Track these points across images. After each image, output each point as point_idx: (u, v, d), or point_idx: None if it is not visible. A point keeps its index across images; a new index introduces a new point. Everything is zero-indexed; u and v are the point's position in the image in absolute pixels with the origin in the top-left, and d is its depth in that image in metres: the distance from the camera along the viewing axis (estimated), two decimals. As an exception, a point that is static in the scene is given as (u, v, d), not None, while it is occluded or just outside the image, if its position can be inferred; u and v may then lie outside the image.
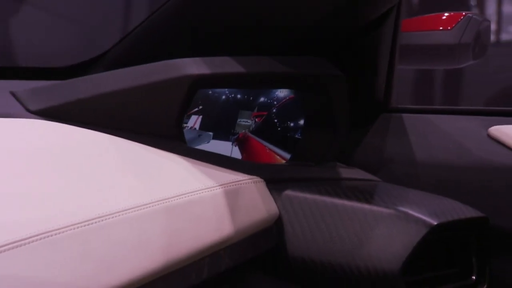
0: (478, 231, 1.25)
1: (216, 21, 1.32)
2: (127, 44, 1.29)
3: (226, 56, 1.24)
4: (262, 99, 1.30)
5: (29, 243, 0.82)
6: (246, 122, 1.30)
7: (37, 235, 0.82)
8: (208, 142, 1.26)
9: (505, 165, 1.29)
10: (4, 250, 0.80)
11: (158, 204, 0.99)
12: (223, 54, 1.25)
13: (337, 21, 1.27)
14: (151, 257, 0.95)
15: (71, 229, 0.88)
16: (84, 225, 0.89)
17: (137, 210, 0.96)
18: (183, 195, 1.03)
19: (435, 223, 1.11)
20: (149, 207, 0.98)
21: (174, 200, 1.01)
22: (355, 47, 1.31)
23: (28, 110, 1.13)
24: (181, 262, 0.99)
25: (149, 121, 1.17)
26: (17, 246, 0.81)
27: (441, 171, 1.29)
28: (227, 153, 1.27)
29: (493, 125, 1.27)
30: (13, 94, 1.14)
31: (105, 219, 0.92)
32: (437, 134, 1.33)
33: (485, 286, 1.23)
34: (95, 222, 0.91)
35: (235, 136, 1.29)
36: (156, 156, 1.13)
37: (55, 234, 0.85)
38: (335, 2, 1.27)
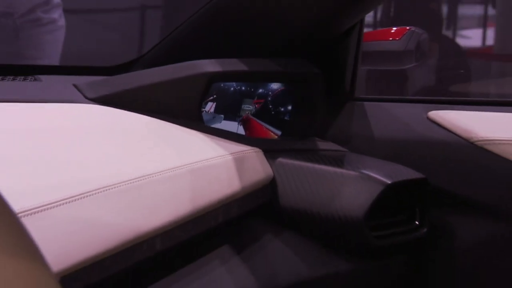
0: (420, 188, 1.26)
1: (230, 33, 1.32)
2: (160, 49, 1.30)
3: (234, 58, 1.25)
4: (260, 90, 1.32)
5: (92, 195, 0.85)
6: (248, 107, 1.31)
7: (98, 189, 0.85)
8: (220, 122, 1.28)
9: (439, 140, 1.28)
10: (74, 200, 0.82)
11: (185, 168, 1.01)
12: (233, 56, 1.27)
13: (318, 33, 1.29)
14: (182, 206, 0.97)
15: (123, 185, 0.90)
16: (133, 182, 0.91)
17: (170, 172, 0.98)
18: (203, 161, 1.04)
19: (389, 182, 1.14)
20: (179, 169, 1.00)
21: (197, 164, 1.03)
22: (330, 52, 1.33)
23: (86, 98, 1.16)
24: (203, 210, 1.01)
25: (177, 106, 1.18)
26: (83, 197, 0.84)
27: (393, 144, 1.30)
28: (234, 130, 1.29)
29: (431, 110, 1.28)
30: (75, 86, 1.17)
31: (148, 178, 0.94)
32: (389, 117, 1.34)
33: (425, 229, 1.23)
34: (141, 180, 0.93)
35: (240, 118, 1.31)
36: (182, 132, 1.14)
37: (112, 189, 0.88)
38: (317, 20, 1.28)
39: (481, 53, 6.47)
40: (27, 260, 0.51)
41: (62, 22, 1.95)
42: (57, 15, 1.82)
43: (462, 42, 6.24)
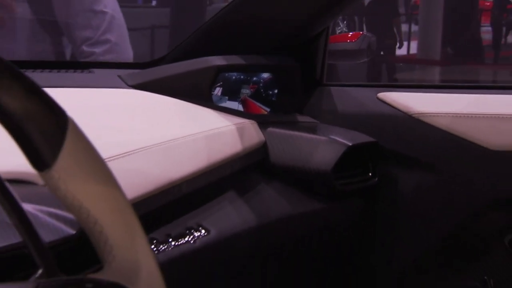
0: (373, 149, 1.26)
1: (232, 38, 1.30)
2: (179, 49, 1.29)
3: (235, 55, 1.25)
4: (254, 78, 1.32)
5: (134, 153, 0.87)
6: (246, 91, 1.32)
7: (138, 149, 0.88)
8: (225, 102, 1.28)
9: (386, 114, 1.28)
10: (121, 157, 0.85)
11: (201, 134, 1.02)
12: (234, 53, 1.27)
13: (297, 36, 1.31)
14: (200, 162, 0.99)
15: (156, 146, 0.92)
16: (164, 144, 0.93)
17: (190, 137, 0.99)
18: (214, 129, 1.06)
19: (350, 144, 1.16)
20: (197, 135, 1.01)
21: (209, 131, 1.05)
22: (305, 50, 1.34)
23: (127, 85, 1.17)
24: (215, 165, 1.02)
25: (193, 90, 1.18)
26: (128, 155, 0.86)
27: (352, 117, 1.31)
28: (236, 108, 1.29)
29: (380, 92, 1.30)
30: (119, 76, 1.18)
31: (174, 141, 0.95)
32: (349, 98, 1.36)
33: (376, 179, 1.26)
34: (169, 142, 0.95)
35: (240, 99, 1.31)
36: (197, 109, 1.14)
37: (149, 149, 0.91)
38: (296, 28, 1.29)
39: (409, 58, 6.55)
40: (107, 185, 0.51)
41: (106, 57, 1.71)
42: (101, 50, 1.62)
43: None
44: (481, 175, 1.23)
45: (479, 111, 1.22)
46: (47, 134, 0.45)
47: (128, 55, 1.50)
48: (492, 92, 1.33)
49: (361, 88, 1.43)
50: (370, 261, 1.35)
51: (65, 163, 0.46)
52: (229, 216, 1.07)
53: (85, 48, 1.56)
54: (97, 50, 1.62)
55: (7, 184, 0.48)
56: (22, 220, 0.49)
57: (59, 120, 0.46)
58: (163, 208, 0.93)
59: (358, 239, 1.33)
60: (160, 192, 0.91)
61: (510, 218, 1.26)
